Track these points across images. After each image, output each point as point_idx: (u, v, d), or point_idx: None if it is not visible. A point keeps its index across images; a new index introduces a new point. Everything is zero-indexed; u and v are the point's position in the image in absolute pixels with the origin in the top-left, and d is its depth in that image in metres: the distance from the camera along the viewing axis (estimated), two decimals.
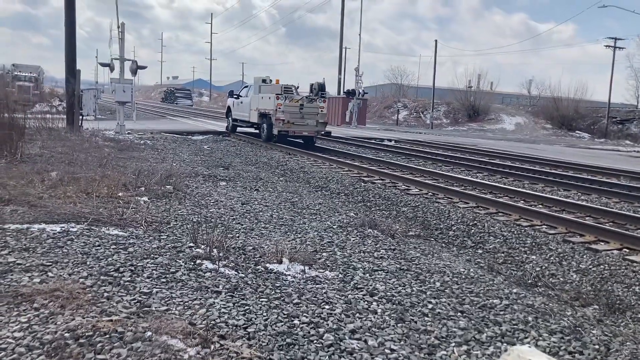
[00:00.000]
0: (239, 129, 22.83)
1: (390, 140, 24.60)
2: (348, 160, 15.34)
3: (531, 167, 15.50)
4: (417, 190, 10.68)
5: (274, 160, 14.57)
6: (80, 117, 16.38)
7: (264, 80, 20.77)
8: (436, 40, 50.77)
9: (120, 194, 7.12)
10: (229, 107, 24.05)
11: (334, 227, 6.97)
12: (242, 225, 6.48)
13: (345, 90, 42.43)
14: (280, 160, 14.55)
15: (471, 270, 5.83)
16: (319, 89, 19.88)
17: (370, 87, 58.31)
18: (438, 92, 51.10)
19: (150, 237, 5.28)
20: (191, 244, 5.17)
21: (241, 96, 22.49)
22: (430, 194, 10.36)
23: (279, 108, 18.41)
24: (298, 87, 20.66)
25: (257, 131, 21.02)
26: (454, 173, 13.61)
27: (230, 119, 23.50)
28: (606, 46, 45.54)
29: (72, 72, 16.01)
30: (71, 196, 6.47)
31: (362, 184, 11.39)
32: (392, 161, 15.21)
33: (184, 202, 7.43)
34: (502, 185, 11.43)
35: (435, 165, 15.49)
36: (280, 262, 4.95)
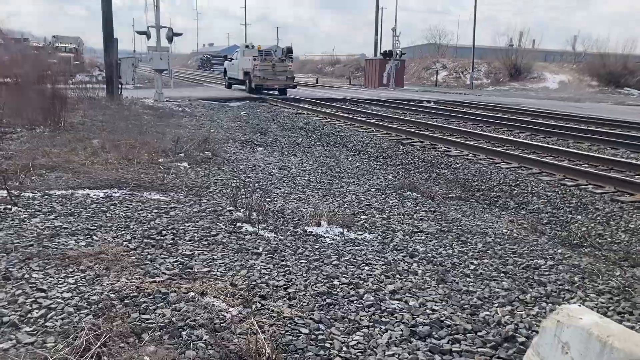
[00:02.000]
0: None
1: (429, 102, 24.15)
2: (386, 123, 15.13)
3: (576, 126, 14.99)
4: (457, 151, 10.47)
5: (310, 125, 14.50)
6: (120, 86, 16.59)
7: (247, 46, 26.87)
8: None
9: (160, 160, 7.22)
10: (225, 69, 30.32)
11: (372, 190, 6.91)
12: (280, 189, 6.49)
13: (382, 52, 41.71)
14: (316, 125, 14.48)
15: (514, 231, 5.71)
16: (287, 52, 25.99)
17: (407, 47, 57.13)
18: (478, 52, 49.65)
19: (191, 202, 5.34)
20: (231, 208, 5.21)
21: (233, 59, 28.27)
22: (471, 155, 10.14)
23: (256, 67, 24.05)
24: (290, 50, 26.54)
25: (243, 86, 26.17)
26: (496, 133, 13.28)
27: (226, 77, 29.47)
28: None
29: (109, 41, 16.15)
30: (113, 162, 6.59)
31: (401, 146, 11.24)
32: (431, 123, 14.94)
33: (223, 167, 7.48)
34: (545, 145, 11.10)
35: (476, 126, 15.15)
36: (319, 224, 4.95)
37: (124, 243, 3.97)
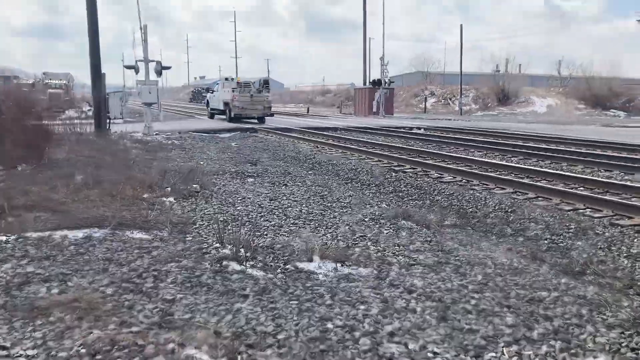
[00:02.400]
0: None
1: (419, 128, 24.12)
2: (377, 150, 15.00)
3: (567, 149, 14.91)
4: (450, 177, 10.30)
5: (302, 154, 14.33)
6: (108, 120, 16.41)
7: (226, 79, 29.68)
8: (461, 25, 49.72)
9: (145, 196, 6.98)
10: (207, 100, 33.04)
11: (366, 220, 6.68)
12: (270, 222, 6.25)
13: (371, 81, 41.95)
14: (308, 154, 14.31)
15: (514, 260, 5.49)
16: (264, 83, 28.42)
17: (395, 76, 57.55)
18: (465, 78, 50.07)
19: (175, 239, 5.09)
20: (217, 245, 4.96)
21: (214, 91, 31.13)
22: (464, 180, 9.97)
23: (235, 98, 26.30)
24: (267, 82, 29.17)
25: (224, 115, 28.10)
26: (488, 158, 13.15)
27: (209, 108, 32.05)
28: (638, 20, 43.95)
29: (97, 76, 16.04)
30: (95, 200, 6.35)
31: (393, 173, 11.06)
32: (422, 149, 14.81)
33: (211, 200, 7.24)
34: (539, 169, 10.96)
35: (468, 151, 15.03)
36: (311, 260, 4.70)
37: (101, 288, 3.71)
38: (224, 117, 28.07)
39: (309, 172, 11.68)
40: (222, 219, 6.14)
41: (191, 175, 8.69)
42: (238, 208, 6.93)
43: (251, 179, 9.89)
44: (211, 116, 31.05)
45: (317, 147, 16.13)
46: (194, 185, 8.24)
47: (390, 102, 39.69)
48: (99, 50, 16.33)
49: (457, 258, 5.19)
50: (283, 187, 9.01)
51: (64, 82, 44.77)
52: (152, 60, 17.93)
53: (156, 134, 18.09)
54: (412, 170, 11.39)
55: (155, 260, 4.41)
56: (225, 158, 12.89)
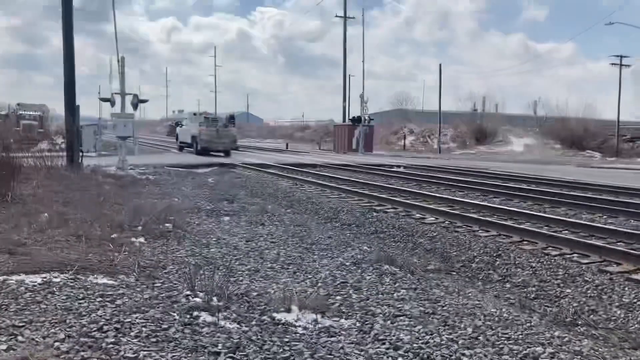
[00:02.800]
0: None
1: (399, 166, 24.07)
2: (357, 188, 14.77)
3: (548, 190, 14.87)
4: (432, 218, 10.07)
5: (280, 191, 14.03)
6: (80, 153, 15.96)
7: (194, 114, 31.65)
8: (440, 64, 50.76)
9: (114, 236, 6.57)
10: (177, 134, 34.33)
11: (347, 264, 6.36)
12: (246, 266, 5.89)
13: (350, 118, 42.15)
14: (286, 191, 14.02)
15: (503, 310, 5.20)
16: (230, 119, 31.03)
17: (374, 113, 58.03)
18: (444, 116, 50.69)
19: (143, 286, 4.70)
20: (188, 292, 4.59)
21: (183, 125, 32.63)
22: (447, 222, 9.75)
23: (202, 132, 27.66)
24: (232, 117, 32.18)
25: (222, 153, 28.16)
26: (470, 199, 13.00)
27: (178, 141, 33.04)
28: (612, 64, 45.27)
29: (70, 108, 15.65)
30: (60, 240, 5.93)
31: (374, 213, 10.80)
32: (403, 188, 14.65)
33: (183, 242, 6.86)
34: (522, 210, 10.81)
35: (449, 190, 14.89)
36: (289, 310, 4.35)
37: (56, 344, 3.31)
38: (191, 149, 29.14)
39: (288, 211, 11.36)
40: (194, 263, 5.77)
41: (164, 214, 8.30)
42: (212, 250, 6.55)
43: (227, 218, 9.52)
44: (180, 149, 32.12)
45: (296, 184, 15.87)
46: (167, 225, 7.85)
47: (370, 139, 39.80)
48: (74, 81, 16.00)
49: (445, 308, 4.89)
50: (260, 227, 8.67)
51: (39, 113, 44.07)
52: (129, 93, 17.63)
53: (131, 169, 17.65)
54: (393, 210, 11.16)
55: (119, 310, 4.02)
56: (201, 195, 12.51)
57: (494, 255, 7.53)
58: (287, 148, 46.74)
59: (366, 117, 38.27)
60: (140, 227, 7.38)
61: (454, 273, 7.13)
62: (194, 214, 9.64)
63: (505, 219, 10.08)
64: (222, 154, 27.58)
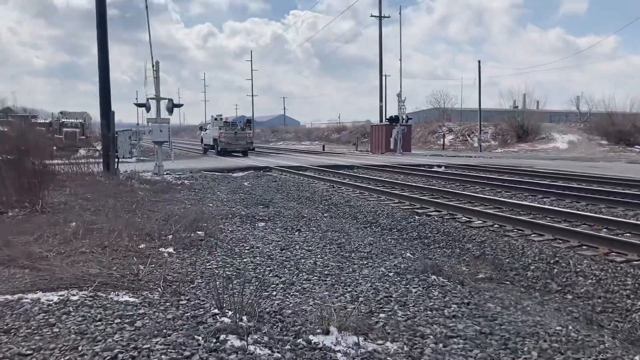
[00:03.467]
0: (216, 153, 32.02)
1: (439, 166, 23.31)
2: (397, 190, 14.19)
3: (601, 188, 13.95)
4: (480, 222, 9.43)
5: (317, 195, 13.57)
6: (116, 159, 15.87)
7: (215, 119, 33.50)
8: (479, 61, 49.50)
9: (142, 246, 6.22)
10: (201, 137, 37.92)
11: (390, 274, 5.83)
12: (280, 278, 5.44)
13: (387, 118, 41.43)
14: (323, 195, 13.54)
15: (569, 327, 4.59)
16: (247, 122, 34.83)
17: (412, 113, 57.11)
18: (483, 114, 49.41)
19: (167, 304, 4.30)
20: (216, 311, 4.16)
21: (206, 129, 35.51)
22: (496, 225, 9.09)
23: (222, 135, 31.07)
24: (249, 121, 36.43)
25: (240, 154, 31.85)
26: (518, 199, 12.26)
27: (202, 144, 36.64)
28: None
29: (105, 115, 15.59)
30: (84, 252, 5.60)
31: (416, 217, 10.22)
32: (445, 189, 13.97)
33: (215, 251, 6.46)
34: (576, 212, 10.04)
35: (494, 191, 14.14)
36: (327, 332, 3.87)
37: None
38: (213, 151, 32.87)
39: (325, 215, 10.89)
40: (224, 275, 5.34)
41: (196, 221, 7.94)
42: (244, 260, 6.12)
43: (262, 224, 9.12)
44: (204, 151, 35.34)
45: (333, 187, 15.38)
46: (199, 232, 7.49)
47: (408, 139, 39.01)
48: (109, 88, 15.94)
49: (503, 327, 4.31)
50: (296, 233, 8.22)
51: (80, 121, 44.85)
52: (164, 98, 17.48)
53: (167, 174, 17.50)
54: (437, 213, 10.55)
55: (138, 333, 3.62)
56: (236, 199, 12.16)
57: (551, 262, 6.87)
58: (323, 150, 46.36)
59: (404, 117, 37.45)
60: (170, 236, 7.03)
61: (508, 282, 6.52)
62: (228, 219, 9.27)
63: (559, 221, 9.36)
64: (240, 155, 31.42)
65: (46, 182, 9.32)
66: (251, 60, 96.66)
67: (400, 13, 73.41)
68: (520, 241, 7.92)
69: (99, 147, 33.54)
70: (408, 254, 7.35)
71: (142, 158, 27.84)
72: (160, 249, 6.20)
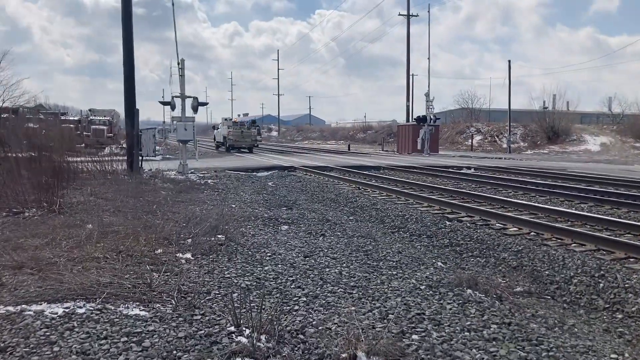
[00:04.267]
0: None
1: (469, 168, 22.67)
2: (426, 193, 13.70)
3: None
4: (515, 229, 8.90)
5: (342, 197, 13.17)
6: (140, 158, 15.69)
7: (225, 119, 40.28)
8: (509, 61, 48.34)
9: (159, 251, 5.90)
10: (214, 136, 44.29)
11: (422, 287, 5.41)
12: (303, 289, 5.05)
13: (415, 117, 40.77)
14: (349, 197, 13.13)
15: (625, 354, 4.12)
16: (252, 122, 39.51)
17: (439, 113, 56.34)
18: (512, 115, 48.35)
19: (179, 319, 3.95)
20: (232, 329, 3.79)
21: (218, 128, 41.26)
22: (532, 233, 8.56)
23: (230, 133, 35.74)
24: (254, 122, 41.48)
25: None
26: (553, 205, 11.67)
27: (215, 141, 41.95)
28: None
29: (130, 113, 15.41)
30: (97, 258, 5.30)
31: (447, 222, 9.74)
32: (476, 193, 13.42)
33: (235, 257, 6.11)
34: (618, 220, 9.43)
35: (528, 195, 13.54)
36: (354, 357, 3.47)
37: None
38: (223, 147, 37.76)
39: (350, 218, 10.50)
40: (244, 286, 4.98)
41: (218, 223, 7.61)
42: (266, 268, 5.76)
43: (285, 227, 8.76)
44: (216, 147, 40.64)
45: (359, 189, 14.94)
46: (219, 236, 7.15)
47: (435, 139, 38.33)
48: (134, 86, 15.77)
49: (551, 354, 3.86)
50: (320, 238, 7.84)
51: (108, 118, 45.19)
52: (189, 96, 17.27)
53: (191, 173, 17.28)
54: (468, 218, 10.04)
55: (146, 355, 3.28)
56: (259, 200, 11.83)
57: (596, 275, 6.35)
58: (349, 149, 45.90)
59: (431, 116, 36.76)
60: (189, 240, 6.71)
61: (549, 297, 6.04)
62: (250, 222, 8.94)
63: (600, 229, 8.79)
64: (246, 150, 36.02)
65: (65, 181, 9.10)
66: (278, 59, 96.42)
67: (429, 11, 72.23)
68: (560, 251, 7.39)
69: (125, 145, 33.76)
70: (439, 264, 6.91)
71: (167, 156, 27.84)
72: (177, 255, 5.88)
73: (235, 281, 5.12)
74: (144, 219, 8.01)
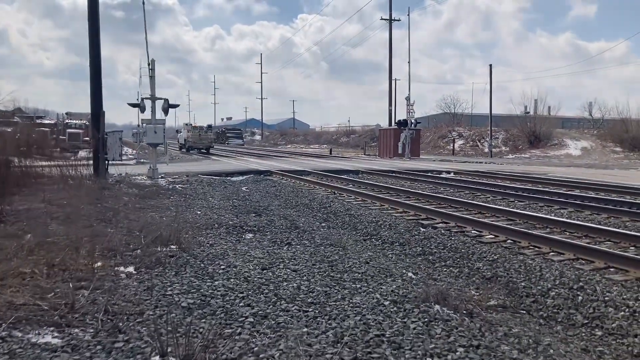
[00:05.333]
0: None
1: (448, 172, 22.33)
2: (402, 198, 13.26)
3: (620, 199, 12.94)
4: (491, 236, 8.48)
5: (316, 202, 12.67)
6: (106, 162, 15.05)
7: (186, 124, 47.49)
8: (490, 65, 48.29)
9: (98, 264, 5.35)
10: (178, 139, 48.89)
11: (386, 302, 4.93)
12: (252, 308, 4.54)
13: (396, 121, 40.47)
14: (323, 202, 12.64)
15: None
16: (208, 127, 45.39)
17: (422, 117, 56.21)
18: (494, 119, 48.32)
19: (98, 347, 3.42)
20: (157, 358, 3.27)
21: (181, 132, 47.54)
22: (509, 241, 8.14)
23: (189, 136, 42.08)
24: (210, 126, 48.12)
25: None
26: (532, 210, 11.28)
27: (178, 143, 47.56)
28: None
29: (96, 114, 14.78)
30: (24, 273, 4.74)
31: (421, 229, 9.29)
32: (454, 198, 13.01)
33: (183, 271, 5.57)
34: (598, 226, 9.05)
35: (507, 200, 13.15)
36: None
37: None
38: (184, 149, 43.55)
39: (323, 225, 10.01)
40: (185, 304, 4.46)
41: (175, 232, 7.07)
42: (216, 283, 5.24)
43: (250, 235, 8.26)
44: (179, 148, 46.44)
45: (335, 194, 14.46)
46: (172, 247, 6.62)
47: (417, 143, 38.04)
48: (101, 87, 15.13)
49: None
50: (285, 248, 7.34)
51: (85, 122, 44.26)
52: (159, 98, 16.66)
53: (161, 177, 16.66)
54: (443, 224, 9.60)
55: None
56: (227, 206, 11.29)
57: (575, 287, 5.91)
58: (330, 153, 45.47)
59: (412, 120, 36.47)
60: (139, 251, 6.17)
61: (524, 312, 5.59)
62: (213, 230, 8.42)
63: (580, 236, 8.40)
64: (204, 151, 41.81)
65: (16, 187, 8.49)
66: (261, 64, 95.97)
67: (408, 15, 72.03)
68: (538, 260, 6.97)
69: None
70: (410, 274, 6.45)
71: (142, 160, 27.09)
72: (118, 268, 5.34)
73: (177, 299, 4.59)
74: (94, 227, 7.45)
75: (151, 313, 4.16)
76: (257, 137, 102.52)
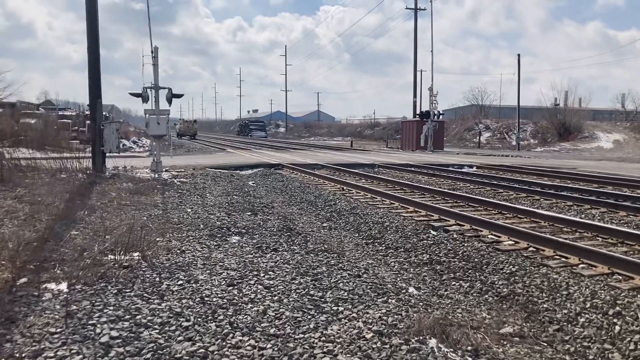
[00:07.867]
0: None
1: (470, 167, 21.05)
2: (415, 196, 12.17)
3: None
4: (510, 242, 7.35)
5: (322, 199, 11.65)
6: (103, 154, 14.25)
7: (180, 118, 77.20)
8: (519, 55, 46.51)
9: (22, 280, 4.44)
10: (176, 128, 62.06)
11: (368, 335, 3.91)
12: (193, 344, 3.56)
13: (418, 113, 39.13)
14: (329, 199, 11.62)
15: None
16: (194, 121, 73.84)
17: (448, 109, 54.80)
18: (522, 112, 46.56)
19: None
20: None
21: (177, 124, 64.20)
22: (531, 248, 7.01)
23: (181, 127, 65.59)
24: (195, 120, 77.53)
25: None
26: (559, 211, 10.08)
27: (176, 133, 60.51)
28: None
29: (93, 103, 13.99)
30: None
31: (431, 232, 8.20)
32: (472, 196, 11.85)
33: (127, 289, 4.62)
34: (636, 231, 7.85)
35: (531, 199, 11.94)
36: None
37: None
38: (177, 136, 59.03)
39: (324, 225, 9.02)
40: (105, 340, 3.50)
41: (143, 236, 6.15)
42: (162, 305, 4.27)
43: (236, 238, 7.31)
44: (176, 135, 59.47)
45: (343, 189, 13.42)
46: (134, 254, 5.70)
47: (440, 135, 36.65)
48: (99, 75, 14.37)
49: None
50: (268, 255, 6.35)
51: (105, 114, 44.03)
52: (163, 87, 15.75)
53: (165, 171, 15.83)
54: (457, 227, 8.49)
55: None
56: (223, 204, 10.35)
57: (610, 313, 4.80)
58: (351, 146, 44.37)
59: (435, 112, 35.09)
60: (89, 260, 5.25)
61: (545, 344, 4.50)
62: (196, 232, 7.50)
63: (615, 243, 7.23)
64: (189, 136, 61.92)
65: None
66: (285, 55, 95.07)
67: (431, 1, 70.01)
68: (564, 275, 5.84)
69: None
70: (411, 290, 5.42)
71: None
72: (48, 285, 4.42)
73: (98, 331, 3.63)
74: (54, 229, 6.58)
75: (50, 355, 3.21)
76: (282, 130, 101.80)
